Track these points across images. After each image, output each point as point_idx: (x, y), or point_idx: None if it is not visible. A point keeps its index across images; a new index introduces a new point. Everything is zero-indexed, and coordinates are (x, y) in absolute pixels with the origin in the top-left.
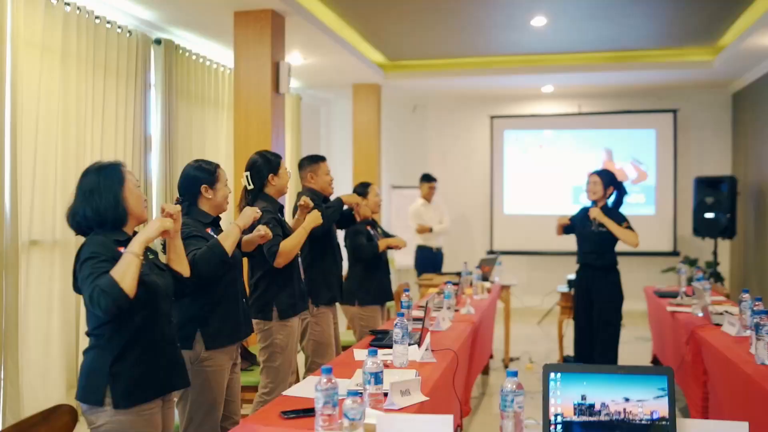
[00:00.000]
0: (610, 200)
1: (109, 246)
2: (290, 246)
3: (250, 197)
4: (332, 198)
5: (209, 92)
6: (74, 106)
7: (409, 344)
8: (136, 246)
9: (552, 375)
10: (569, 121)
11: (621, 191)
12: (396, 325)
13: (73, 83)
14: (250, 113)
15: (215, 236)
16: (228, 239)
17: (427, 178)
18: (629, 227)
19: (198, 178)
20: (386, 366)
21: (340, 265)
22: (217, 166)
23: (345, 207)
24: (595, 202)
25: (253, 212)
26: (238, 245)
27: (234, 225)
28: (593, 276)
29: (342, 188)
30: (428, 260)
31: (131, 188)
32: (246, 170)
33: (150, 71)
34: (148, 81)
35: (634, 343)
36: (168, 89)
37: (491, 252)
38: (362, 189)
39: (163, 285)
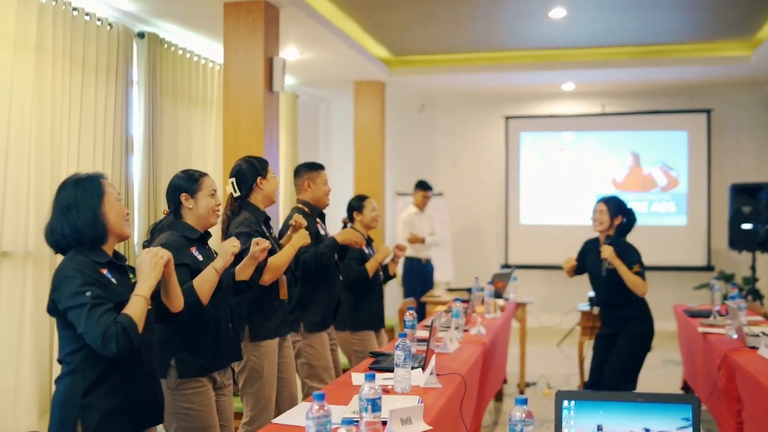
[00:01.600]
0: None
1: (93, 268)
2: (279, 263)
3: (236, 205)
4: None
5: (197, 90)
6: (49, 106)
7: (413, 367)
8: (147, 292)
9: (565, 403)
10: (592, 122)
11: (630, 219)
12: (397, 346)
13: (49, 81)
14: (240, 113)
15: (199, 259)
16: (204, 285)
17: (422, 186)
18: (640, 272)
19: (179, 186)
20: (386, 391)
21: (336, 286)
22: (203, 174)
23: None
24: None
25: (230, 246)
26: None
27: (211, 268)
28: (617, 312)
29: (342, 195)
30: (416, 273)
31: (112, 202)
32: (231, 176)
33: (132, 67)
34: (130, 78)
35: (663, 368)
36: (152, 87)
37: (506, 266)
38: (358, 203)
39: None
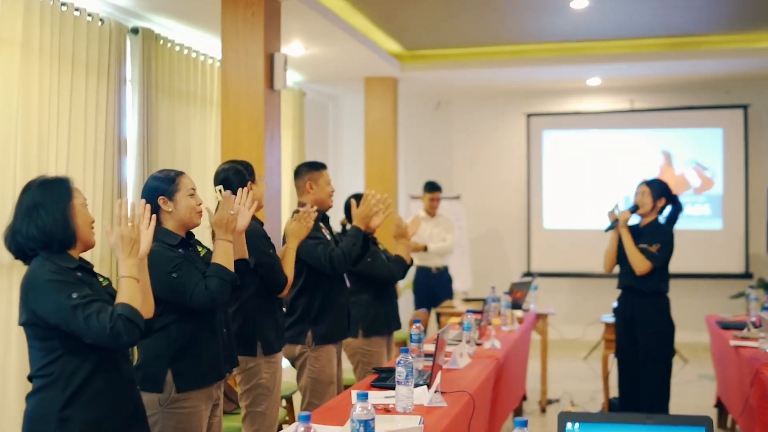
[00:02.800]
0: (663, 215)
1: (67, 272)
2: (290, 272)
3: None
4: (335, 216)
5: (195, 88)
6: (36, 107)
7: (417, 385)
8: (132, 270)
9: (569, 425)
10: (620, 119)
11: (676, 206)
12: (399, 362)
13: (36, 80)
14: (240, 113)
15: (186, 257)
16: (224, 257)
17: (428, 187)
18: (655, 254)
19: (155, 188)
20: (387, 411)
21: (345, 294)
22: (179, 173)
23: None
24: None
25: (228, 207)
26: None
27: (220, 242)
28: (636, 303)
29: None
30: (425, 283)
31: (79, 208)
32: (217, 184)
33: (126, 64)
34: (124, 76)
35: (697, 383)
36: (146, 85)
37: (528, 274)
38: (357, 200)
39: None
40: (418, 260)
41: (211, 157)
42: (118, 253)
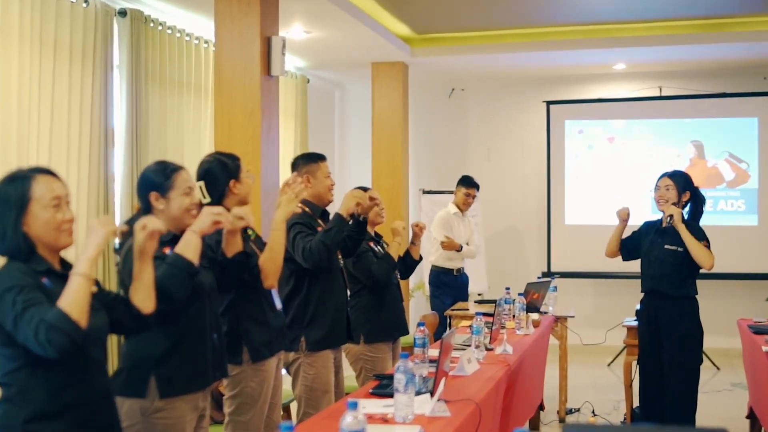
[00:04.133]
0: (686, 210)
1: (31, 274)
2: (270, 258)
3: None
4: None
5: (189, 74)
6: (15, 95)
7: (420, 392)
8: (84, 265)
9: None
10: (647, 107)
11: (699, 199)
12: (398, 368)
13: (15, 66)
14: (234, 101)
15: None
16: (187, 249)
17: (466, 182)
18: (708, 248)
19: (149, 182)
20: (386, 421)
21: (343, 296)
22: (176, 169)
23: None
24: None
25: (211, 213)
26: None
27: (190, 232)
28: (662, 306)
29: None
30: (447, 284)
31: (39, 210)
32: (198, 179)
33: (113, 49)
34: (111, 61)
35: (728, 392)
36: (135, 71)
37: (547, 274)
38: None
39: (95, 326)
40: (441, 260)
41: (206, 149)
42: (89, 245)
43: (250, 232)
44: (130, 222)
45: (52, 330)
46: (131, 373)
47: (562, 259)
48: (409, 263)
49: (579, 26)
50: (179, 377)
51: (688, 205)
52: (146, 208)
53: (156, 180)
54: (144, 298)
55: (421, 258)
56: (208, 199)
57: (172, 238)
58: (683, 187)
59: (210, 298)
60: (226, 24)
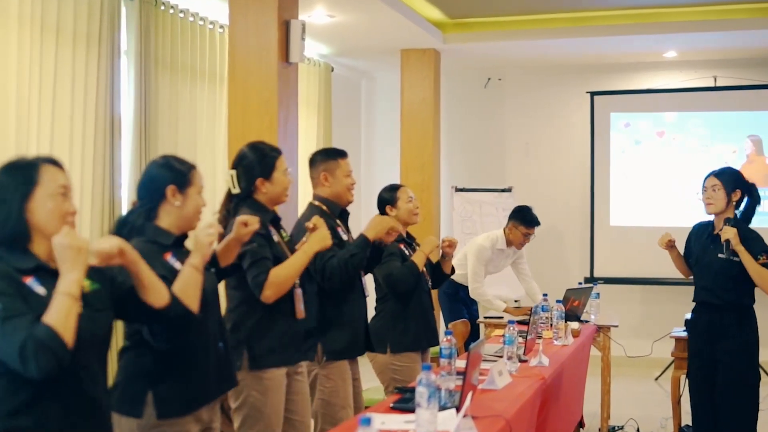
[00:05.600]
0: (738, 211)
1: (10, 276)
2: (285, 275)
3: (233, 204)
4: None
5: (202, 61)
6: (14, 83)
7: (445, 407)
8: (72, 286)
9: None
10: (700, 99)
11: (753, 198)
12: (419, 381)
13: (14, 52)
14: (249, 89)
15: (176, 268)
16: (187, 289)
17: (526, 221)
18: (767, 264)
19: (164, 177)
20: None
21: (364, 303)
22: (192, 166)
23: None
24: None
25: (206, 236)
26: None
27: (189, 268)
28: (717, 318)
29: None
30: (462, 301)
31: (45, 197)
32: (232, 167)
33: (120, 34)
34: (118, 47)
35: None
36: (144, 57)
37: (591, 279)
38: (389, 194)
39: (89, 331)
40: (463, 278)
41: (221, 140)
42: (62, 267)
43: (284, 234)
44: (126, 219)
45: (42, 349)
46: (126, 390)
47: (606, 264)
48: (439, 275)
49: (626, 10)
50: (179, 396)
51: (741, 204)
52: (152, 204)
53: (175, 174)
54: (155, 294)
55: (453, 271)
56: (237, 190)
57: (174, 242)
58: (732, 186)
59: (212, 303)
60: (241, 7)
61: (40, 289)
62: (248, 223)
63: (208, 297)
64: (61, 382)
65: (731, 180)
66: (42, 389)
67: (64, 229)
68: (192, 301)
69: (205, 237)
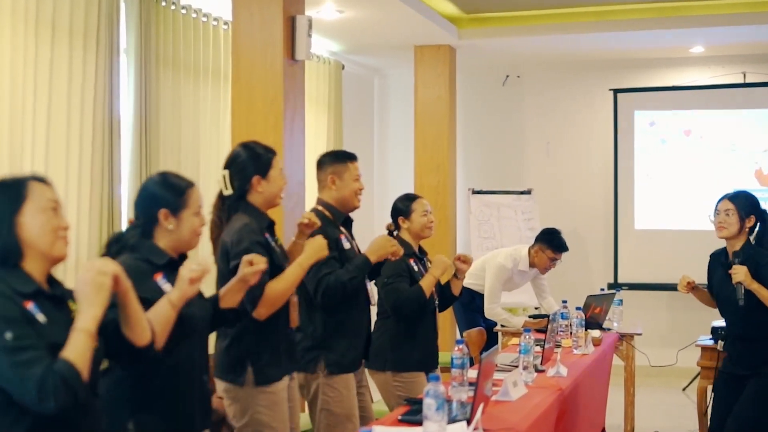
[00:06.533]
0: (752, 237)
1: (11, 300)
2: (279, 291)
3: (226, 207)
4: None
5: (205, 59)
6: (8, 82)
7: (456, 420)
8: (91, 323)
9: None
10: (729, 96)
11: (766, 224)
12: (427, 393)
13: (7, 50)
14: (254, 88)
15: (164, 290)
16: (155, 323)
17: (554, 245)
18: None
19: (157, 197)
20: None
21: (366, 315)
22: (190, 185)
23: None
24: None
25: (188, 272)
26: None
27: (165, 302)
28: (747, 350)
29: (401, 192)
30: (479, 310)
31: (36, 211)
32: (225, 167)
33: (119, 31)
34: (117, 45)
35: None
36: (145, 55)
37: (614, 285)
38: (404, 204)
39: None
40: (478, 286)
41: (225, 142)
42: (82, 302)
43: (278, 240)
44: (120, 236)
45: (64, 385)
46: (108, 415)
47: (630, 269)
48: (447, 296)
49: (651, 4)
50: (162, 426)
51: (754, 231)
52: (148, 226)
53: (168, 196)
54: (137, 332)
55: (461, 293)
56: (230, 191)
57: (168, 263)
58: (747, 211)
59: (201, 333)
60: (245, 2)
61: (41, 317)
62: (254, 262)
63: (197, 325)
64: (57, 417)
65: (746, 205)
66: (39, 423)
67: (87, 264)
68: (158, 336)
69: (187, 273)
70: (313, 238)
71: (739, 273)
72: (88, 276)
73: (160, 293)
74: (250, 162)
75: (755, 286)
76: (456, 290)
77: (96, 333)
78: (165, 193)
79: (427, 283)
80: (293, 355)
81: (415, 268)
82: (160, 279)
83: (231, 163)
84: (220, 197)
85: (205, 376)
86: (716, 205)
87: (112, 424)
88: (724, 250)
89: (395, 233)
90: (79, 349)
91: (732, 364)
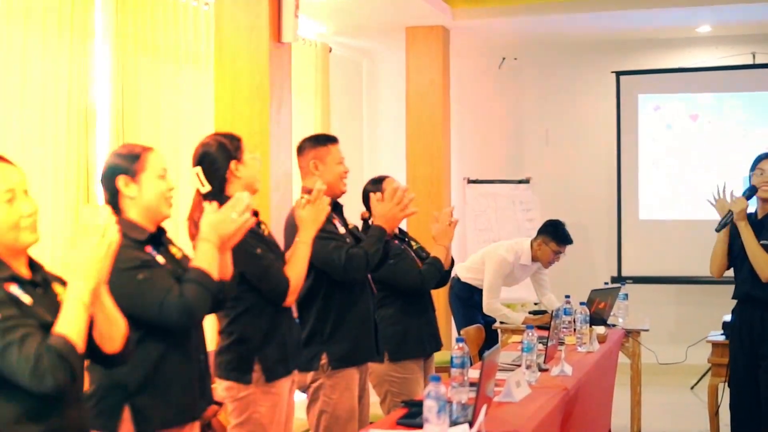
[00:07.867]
0: None
1: None
2: (298, 273)
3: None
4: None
5: (186, 43)
6: None
7: (457, 422)
8: (85, 294)
9: None
10: (738, 78)
11: None
12: (428, 394)
13: None
14: (238, 73)
15: (160, 261)
16: (207, 260)
17: (559, 237)
18: None
19: (114, 167)
20: None
21: (370, 305)
22: (146, 149)
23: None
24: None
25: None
26: None
27: (204, 243)
28: (758, 317)
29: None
30: (478, 306)
31: None
32: (195, 165)
33: (94, 14)
34: (92, 29)
35: None
36: (122, 40)
37: (618, 278)
38: (374, 186)
39: None
40: (477, 282)
41: (209, 130)
42: (74, 275)
43: (263, 227)
44: None
45: (61, 361)
46: (101, 402)
47: (635, 262)
48: (422, 258)
49: None
50: (160, 410)
51: None
52: (113, 200)
53: (123, 163)
54: (110, 338)
55: (452, 264)
56: (207, 188)
57: (150, 237)
58: None
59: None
60: None
61: (26, 298)
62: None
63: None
64: (45, 403)
65: None
66: (26, 409)
67: (75, 241)
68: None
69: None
70: (310, 208)
71: (739, 203)
72: (87, 246)
73: (153, 260)
74: (222, 151)
75: (742, 224)
76: (444, 260)
77: (90, 304)
78: (120, 161)
79: (441, 253)
80: (299, 351)
81: (402, 247)
82: (151, 250)
83: (202, 159)
84: (198, 195)
85: (203, 356)
86: (757, 164)
87: (107, 407)
88: (754, 214)
89: (370, 221)
90: (74, 320)
91: (740, 337)
